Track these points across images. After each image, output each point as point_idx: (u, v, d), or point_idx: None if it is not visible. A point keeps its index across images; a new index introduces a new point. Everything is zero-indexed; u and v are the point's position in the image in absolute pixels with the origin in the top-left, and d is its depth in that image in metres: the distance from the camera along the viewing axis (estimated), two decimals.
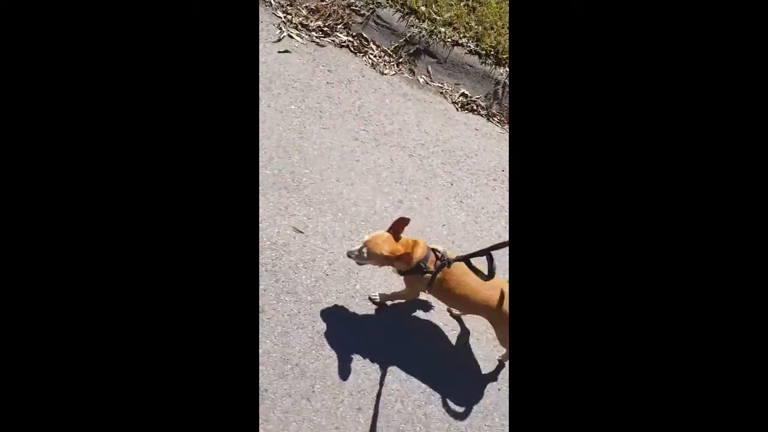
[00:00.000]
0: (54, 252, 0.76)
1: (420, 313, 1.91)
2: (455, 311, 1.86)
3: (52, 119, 0.77)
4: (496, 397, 1.81)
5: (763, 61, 0.72)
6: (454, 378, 1.83)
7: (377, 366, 1.79)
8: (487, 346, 1.88)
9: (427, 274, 1.56)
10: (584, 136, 0.79)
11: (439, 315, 1.91)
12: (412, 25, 2.50)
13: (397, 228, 1.57)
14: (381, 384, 1.76)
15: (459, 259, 1.51)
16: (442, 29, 2.50)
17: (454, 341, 1.89)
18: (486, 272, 1.39)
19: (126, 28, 0.79)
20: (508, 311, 1.52)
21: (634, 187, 0.77)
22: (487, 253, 1.39)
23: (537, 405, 0.79)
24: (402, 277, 1.70)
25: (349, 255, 1.60)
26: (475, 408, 1.79)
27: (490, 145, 2.38)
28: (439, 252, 1.59)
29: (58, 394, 0.75)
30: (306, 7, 2.50)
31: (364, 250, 1.54)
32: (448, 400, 1.78)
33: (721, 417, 0.72)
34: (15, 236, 0.75)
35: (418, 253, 1.57)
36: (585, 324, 0.78)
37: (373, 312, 1.87)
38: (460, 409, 1.78)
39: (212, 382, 0.79)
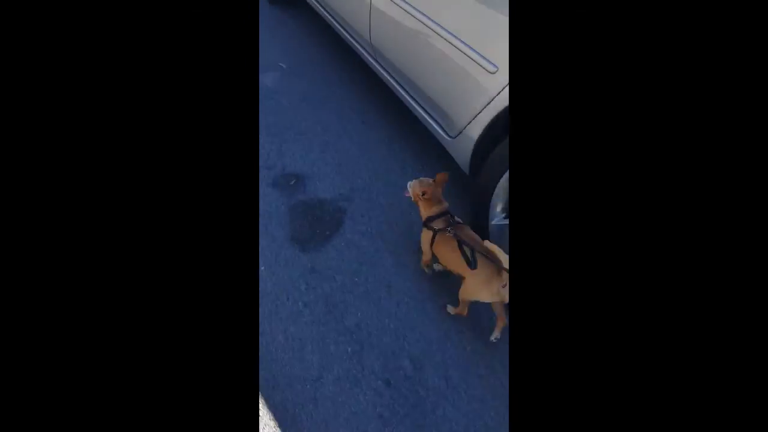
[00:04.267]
0: (52, 253, 0.76)
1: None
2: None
3: (51, 114, 0.77)
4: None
5: (764, 61, 0.72)
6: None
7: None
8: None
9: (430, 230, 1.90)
10: (584, 138, 0.80)
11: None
12: None
13: (438, 180, 1.94)
14: None
15: (455, 237, 1.78)
16: None
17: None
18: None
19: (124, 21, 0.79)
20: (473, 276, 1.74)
21: (634, 188, 0.77)
22: (471, 252, 1.71)
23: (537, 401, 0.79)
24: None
25: (408, 186, 2.01)
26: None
27: None
28: (452, 222, 1.87)
29: (56, 393, 0.75)
30: None
31: (410, 184, 1.97)
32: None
33: (719, 414, 0.72)
34: (14, 236, 0.75)
35: (433, 210, 1.90)
36: (583, 324, 0.78)
37: None
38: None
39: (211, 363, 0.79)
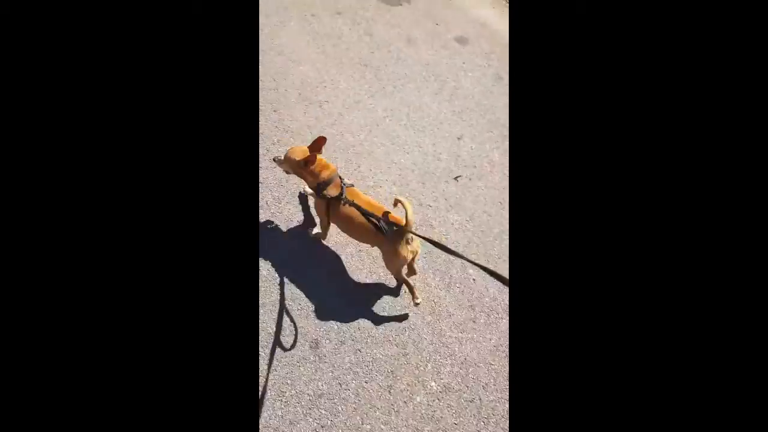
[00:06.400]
0: (53, 250, 0.76)
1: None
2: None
3: (53, 115, 0.77)
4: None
5: (763, 61, 0.73)
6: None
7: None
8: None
9: (326, 199, 1.78)
10: (584, 137, 0.80)
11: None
12: None
13: (315, 145, 1.81)
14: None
15: (353, 205, 1.74)
16: None
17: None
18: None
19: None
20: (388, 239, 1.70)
21: (633, 188, 0.78)
22: (376, 221, 1.69)
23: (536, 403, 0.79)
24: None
25: (274, 159, 1.89)
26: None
27: None
28: (345, 185, 1.80)
29: (58, 393, 0.74)
30: None
31: (283, 155, 1.84)
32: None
33: (717, 413, 0.72)
34: (15, 237, 0.74)
35: (324, 174, 1.79)
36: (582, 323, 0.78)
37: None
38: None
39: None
